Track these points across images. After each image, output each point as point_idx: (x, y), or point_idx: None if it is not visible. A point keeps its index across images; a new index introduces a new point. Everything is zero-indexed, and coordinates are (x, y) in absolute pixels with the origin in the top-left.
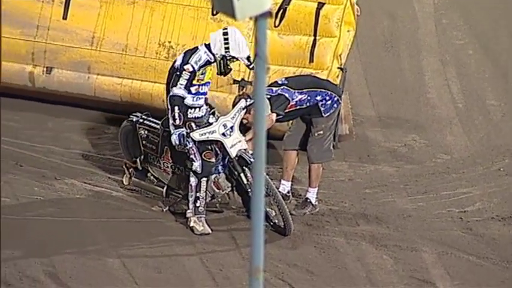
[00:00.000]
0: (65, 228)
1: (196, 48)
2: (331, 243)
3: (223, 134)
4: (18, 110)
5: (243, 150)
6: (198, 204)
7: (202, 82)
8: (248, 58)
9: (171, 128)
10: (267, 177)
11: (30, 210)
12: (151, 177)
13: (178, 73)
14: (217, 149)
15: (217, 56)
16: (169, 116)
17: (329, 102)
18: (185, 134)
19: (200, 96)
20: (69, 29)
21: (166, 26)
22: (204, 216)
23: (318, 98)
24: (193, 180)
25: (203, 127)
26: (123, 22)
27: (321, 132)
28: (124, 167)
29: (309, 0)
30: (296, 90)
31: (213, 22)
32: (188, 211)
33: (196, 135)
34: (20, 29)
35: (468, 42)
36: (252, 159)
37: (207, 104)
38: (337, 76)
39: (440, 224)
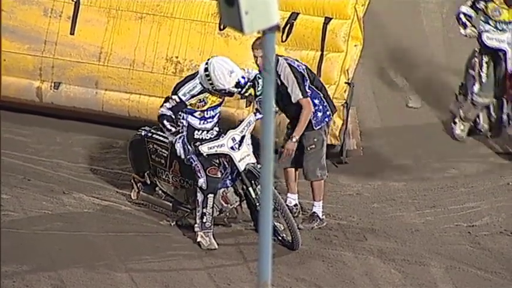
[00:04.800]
0: (73, 242)
1: (196, 74)
2: (339, 257)
3: (232, 148)
4: (26, 125)
5: (252, 164)
6: (204, 220)
7: (204, 108)
8: (237, 85)
9: (170, 137)
10: (275, 191)
11: (38, 225)
12: (160, 191)
13: (168, 97)
14: (225, 163)
15: (208, 88)
16: (165, 132)
17: (320, 114)
18: (185, 140)
19: (208, 120)
20: (77, 44)
21: (173, 41)
22: (211, 231)
23: (316, 101)
24: (199, 196)
25: (212, 140)
26: (130, 37)
27: (313, 146)
28: (132, 181)
29: (316, 15)
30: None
31: (220, 37)
32: (195, 226)
33: (205, 148)
34: (27, 44)
35: None
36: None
37: (218, 126)
38: (345, 91)
39: (449, 239)
